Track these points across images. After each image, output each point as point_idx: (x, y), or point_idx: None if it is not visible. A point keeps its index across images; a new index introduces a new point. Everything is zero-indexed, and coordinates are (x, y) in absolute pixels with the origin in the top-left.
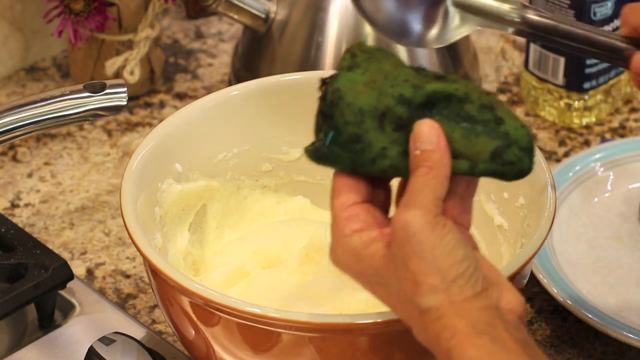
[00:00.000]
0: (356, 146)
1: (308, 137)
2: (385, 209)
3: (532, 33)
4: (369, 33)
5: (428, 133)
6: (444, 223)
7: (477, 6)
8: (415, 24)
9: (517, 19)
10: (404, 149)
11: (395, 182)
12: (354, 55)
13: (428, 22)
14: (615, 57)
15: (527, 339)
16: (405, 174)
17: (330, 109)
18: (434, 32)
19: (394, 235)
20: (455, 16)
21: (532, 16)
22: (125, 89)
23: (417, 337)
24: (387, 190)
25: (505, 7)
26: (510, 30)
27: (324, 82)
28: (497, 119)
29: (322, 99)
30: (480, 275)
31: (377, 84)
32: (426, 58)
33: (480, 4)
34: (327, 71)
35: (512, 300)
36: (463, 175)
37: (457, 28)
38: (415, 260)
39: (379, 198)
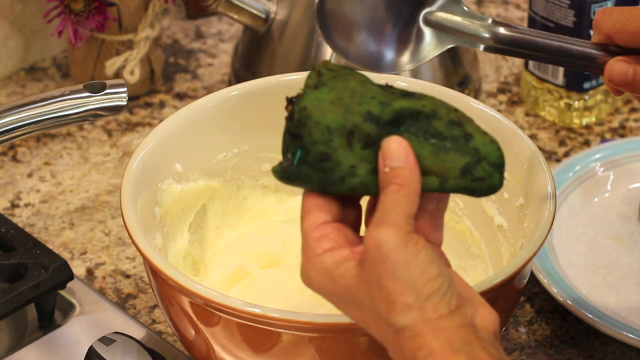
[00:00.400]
0: (325, 165)
1: None
2: (356, 228)
3: (505, 49)
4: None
5: (396, 150)
6: (416, 240)
7: (449, 25)
8: (388, 50)
9: (488, 36)
10: (373, 167)
11: (364, 201)
12: (320, 73)
13: (401, 45)
14: (590, 65)
15: (503, 356)
16: (375, 191)
17: (297, 128)
18: (407, 53)
19: (367, 254)
20: (427, 36)
21: (504, 32)
22: (125, 89)
23: (392, 357)
24: (358, 208)
25: (477, 24)
26: (482, 47)
27: (290, 101)
28: (466, 135)
29: (289, 118)
30: (454, 292)
31: (344, 102)
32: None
33: (452, 22)
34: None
35: (487, 317)
36: (433, 193)
37: (430, 47)
38: (389, 279)
39: (349, 217)
